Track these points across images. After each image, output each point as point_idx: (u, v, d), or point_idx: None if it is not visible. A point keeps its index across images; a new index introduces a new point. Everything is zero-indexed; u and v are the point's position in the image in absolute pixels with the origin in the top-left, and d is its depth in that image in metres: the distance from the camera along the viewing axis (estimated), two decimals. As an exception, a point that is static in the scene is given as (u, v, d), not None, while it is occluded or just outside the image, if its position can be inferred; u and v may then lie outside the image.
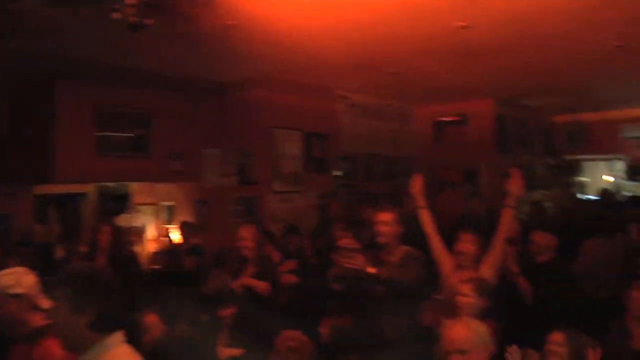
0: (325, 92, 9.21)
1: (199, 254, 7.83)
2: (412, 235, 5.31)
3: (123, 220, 8.37)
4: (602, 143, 14.62)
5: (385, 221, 4.92)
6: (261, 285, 5.53)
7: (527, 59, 7.83)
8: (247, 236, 5.84)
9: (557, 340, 4.18)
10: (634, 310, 5.18)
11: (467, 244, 4.92)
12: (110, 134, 8.44)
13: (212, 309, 5.80)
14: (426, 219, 5.08)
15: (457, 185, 11.28)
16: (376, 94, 10.12)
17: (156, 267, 7.90)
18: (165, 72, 7.79)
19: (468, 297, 4.32)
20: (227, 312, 5.28)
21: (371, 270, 4.64)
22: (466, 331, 3.39)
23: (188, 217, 9.13)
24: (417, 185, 5.16)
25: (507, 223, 4.89)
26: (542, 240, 5.77)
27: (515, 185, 4.92)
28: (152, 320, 4.92)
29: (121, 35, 5.17)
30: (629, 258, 6.80)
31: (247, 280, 5.61)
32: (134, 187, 8.92)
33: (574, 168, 15.08)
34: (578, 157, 15.05)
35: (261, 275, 5.64)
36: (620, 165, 14.97)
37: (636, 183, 14.32)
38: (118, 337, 2.39)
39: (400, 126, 11.15)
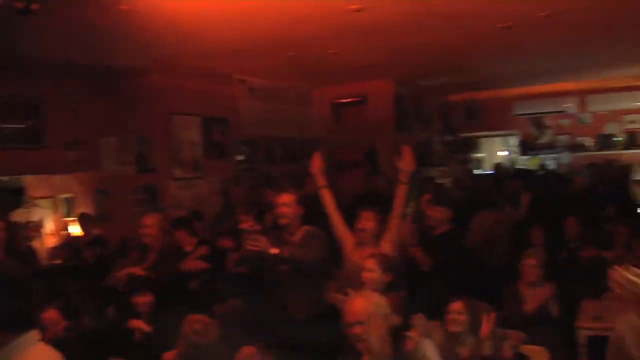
0: (224, 76, 9.15)
1: (101, 245, 7.68)
2: (314, 215, 5.42)
3: (19, 216, 8.07)
4: (497, 120, 15.22)
5: (286, 203, 5.00)
6: (139, 273, 5.50)
7: (423, 39, 7.98)
8: (150, 224, 5.80)
9: (457, 309, 4.39)
10: (525, 276, 5.51)
11: (367, 221, 5.05)
12: (-1, 125, 8.08)
13: (117, 301, 5.74)
14: (327, 198, 5.17)
15: (358, 164, 11.47)
16: (275, 77, 10.12)
17: (56, 261, 7.68)
18: (59, 59, 7.52)
19: (373, 271, 4.45)
20: (142, 299, 5.23)
21: (274, 251, 4.70)
22: (365, 303, 3.50)
23: (88, 209, 8.91)
24: (316, 164, 5.24)
25: (402, 199, 5.05)
26: (437, 213, 5.99)
27: (406, 162, 5.06)
28: (52, 317, 4.81)
29: (9, 21, 4.99)
30: (520, 228, 7.16)
31: (132, 270, 5.58)
32: (29, 180, 8.59)
33: (470, 144, 15.62)
34: (474, 133, 15.59)
35: (163, 263, 5.61)
36: (513, 141, 15.63)
37: (528, 157, 15.00)
38: (33, 335, 2.24)
39: (299, 108, 11.21)
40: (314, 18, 6.48)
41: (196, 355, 3.55)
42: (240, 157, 9.83)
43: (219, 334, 3.65)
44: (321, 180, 5.21)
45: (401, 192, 5.07)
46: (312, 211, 6.14)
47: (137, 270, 5.56)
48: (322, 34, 7.25)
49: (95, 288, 6.38)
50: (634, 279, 2.79)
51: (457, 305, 4.42)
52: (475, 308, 4.47)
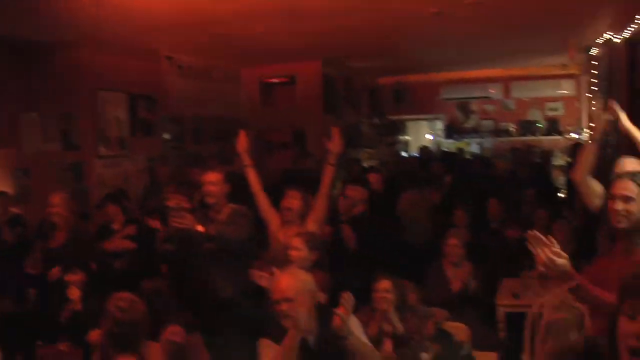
0: (152, 53, 8.98)
1: (20, 225, 7.45)
2: (243, 193, 5.42)
3: None
4: (424, 104, 15.46)
5: (213, 181, 4.99)
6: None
7: (352, 22, 8.02)
8: (57, 203, 5.71)
9: (384, 288, 4.45)
10: (449, 255, 5.65)
11: (292, 200, 5.09)
12: None
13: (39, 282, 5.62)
14: (252, 177, 5.18)
15: (286, 145, 11.47)
16: (203, 55, 10.00)
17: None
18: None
19: (299, 250, 4.49)
20: (73, 278, 5.13)
21: (200, 228, 4.68)
22: (292, 280, 3.51)
23: (7, 188, 8.61)
24: (242, 143, 5.23)
25: (329, 180, 5.11)
26: (355, 193, 6.06)
27: (334, 144, 5.11)
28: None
29: None
30: (444, 209, 7.33)
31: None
32: (-56, 159, 8.26)
33: (398, 127, 15.82)
34: (401, 117, 15.79)
35: (71, 243, 5.56)
36: (440, 125, 15.92)
37: (453, 141, 15.32)
38: None
39: (228, 87, 11.12)
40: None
41: (122, 332, 3.49)
42: (167, 136, 9.68)
43: (144, 311, 3.61)
44: (247, 160, 5.21)
45: (328, 173, 5.12)
46: (241, 190, 6.16)
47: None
48: (250, 13, 7.20)
49: (15, 269, 6.21)
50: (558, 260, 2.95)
51: (384, 284, 4.48)
52: (402, 287, 4.55)
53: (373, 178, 7.51)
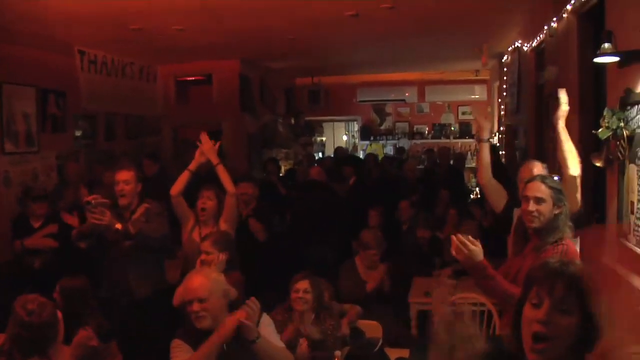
0: (63, 46, 8.69)
1: None
2: (155, 193, 5.38)
3: None
4: (340, 105, 15.61)
5: (126, 179, 4.94)
6: None
7: (270, 22, 8.02)
8: None
9: (303, 288, 4.48)
10: (365, 260, 5.77)
11: (208, 200, 5.11)
12: None
13: None
14: (223, 174, 5.21)
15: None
16: (118, 51, 9.77)
17: None
18: None
19: (209, 254, 4.47)
20: None
21: (118, 226, 4.61)
22: (204, 280, 3.48)
23: None
24: (207, 143, 5.28)
25: (225, 178, 5.19)
26: (249, 189, 6.15)
27: (206, 147, 5.25)
28: None
29: None
30: (359, 209, 7.44)
31: None
32: None
33: (314, 128, 15.91)
34: (318, 117, 15.89)
35: None
36: (355, 126, 16.12)
37: (369, 142, 15.54)
38: None
39: (143, 85, 10.90)
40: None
41: (29, 337, 3.37)
42: (78, 132, 9.40)
43: (54, 313, 3.49)
44: (214, 159, 5.26)
45: (220, 172, 5.22)
46: (153, 190, 6.09)
47: None
48: (167, 10, 7.08)
49: None
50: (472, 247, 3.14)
51: (302, 284, 4.51)
52: (319, 286, 4.59)
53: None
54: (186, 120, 11.39)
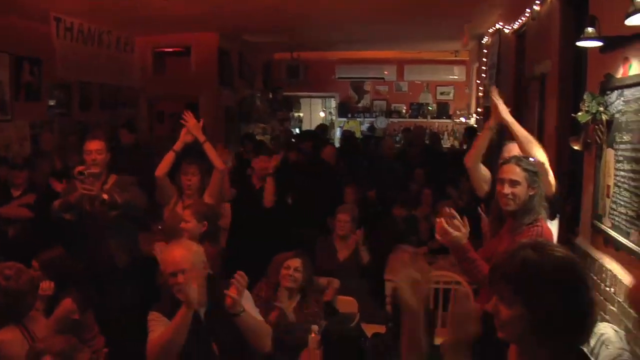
0: (39, 13, 8.52)
1: None
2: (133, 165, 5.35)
3: None
4: (318, 81, 15.57)
5: (98, 149, 4.91)
6: None
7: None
8: None
9: (294, 266, 4.49)
10: (338, 229, 5.82)
11: (192, 176, 5.09)
12: None
13: None
14: (210, 151, 5.20)
15: (179, 116, 11.24)
16: (95, 19, 9.60)
17: None
18: None
19: (188, 222, 4.46)
20: None
21: (105, 196, 4.60)
22: (184, 251, 3.47)
23: None
24: (191, 121, 5.27)
25: (212, 154, 5.21)
26: (262, 164, 6.15)
27: (191, 125, 5.25)
28: None
29: None
30: (336, 186, 7.47)
31: None
32: None
33: (292, 103, 15.87)
34: (296, 93, 15.84)
35: None
36: (332, 103, 16.10)
37: (346, 119, 15.54)
38: None
39: (120, 54, 10.74)
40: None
41: (5, 302, 3.35)
42: (53, 102, 9.25)
43: (31, 281, 3.48)
44: (201, 136, 5.24)
45: (207, 149, 5.22)
46: (127, 160, 6.06)
47: None
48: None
49: None
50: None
51: (294, 262, 4.51)
52: (309, 266, 4.61)
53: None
54: (163, 92, 11.30)
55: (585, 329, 1.84)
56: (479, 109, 11.46)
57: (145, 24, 10.06)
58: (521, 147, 3.88)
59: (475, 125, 11.27)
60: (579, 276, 1.84)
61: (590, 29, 3.91)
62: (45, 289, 3.92)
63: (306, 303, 4.44)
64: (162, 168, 5.12)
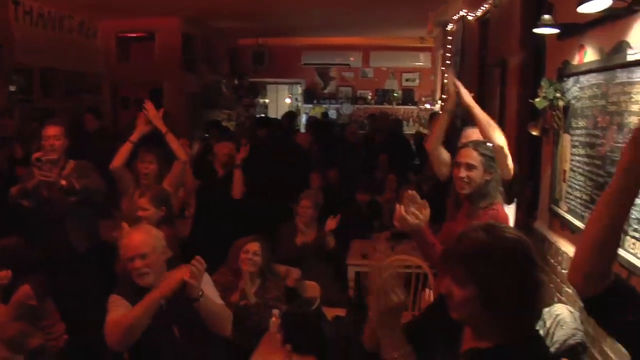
0: (-3, -5, 8.37)
1: None
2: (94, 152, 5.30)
3: None
4: (284, 67, 15.51)
5: (55, 134, 4.87)
6: None
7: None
8: None
9: (253, 250, 4.51)
10: (301, 215, 5.84)
11: (149, 164, 5.06)
12: None
13: None
14: (172, 141, 5.12)
15: (143, 102, 11.14)
16: (56, 3, 9.46)
17: None
18: None
19: (147, 209, 4.45)
20: None
21: (63, 182, 4.57)
22: (145, 236, 3.48)
23: None
24: (152, 111, 5.14)
25: (174, 145, 5.13)
26: (230, 150, 6.09)
27: (151, 112, 5.13)
28: None
29: None
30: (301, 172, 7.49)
31: None
32: None
33: (257, 90, 15.82)
34: (262, 79, 15.77)
35: None
36: (298, 89, 16.08)
37: (312, 106, 15.53)
38: None
39: (82, 40, 10.61)
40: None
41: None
42: (13, 88, 9.09)
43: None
44: (162, 127, 5.12)
45: (169, 140, 5.14)
46: (92, 146, 5.99)
47: None
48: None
49: None
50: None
51: (253, 246, 4.53)
52: (269, 250, 4.63)
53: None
54: (127, 78, 11.18)
55: (534, 307, 1.90)
56: (443, 96, 11.53)
57: (109, 8, 9.95)
58: (481, 130, 3.92)
59: (440, 112, 11.35)
60: (528, 256, 1.89)
61: (546, 16, 3.96)
62: (2, 277, 3.88)
63: (267, 287, 4.48)
64: (118, 159, 5.00)
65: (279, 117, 12.23)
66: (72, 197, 4.73)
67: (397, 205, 3.27)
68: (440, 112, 4.31)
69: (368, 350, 2.22)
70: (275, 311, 3.95)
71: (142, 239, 3.46)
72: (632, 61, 2.97)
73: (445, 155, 4.17)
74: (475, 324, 1.94)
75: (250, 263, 4.47)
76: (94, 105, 9.72)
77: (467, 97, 4.00)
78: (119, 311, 3.39)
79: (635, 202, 2.90)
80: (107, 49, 11.33)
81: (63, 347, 4.06)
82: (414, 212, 3.26)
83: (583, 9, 3.08)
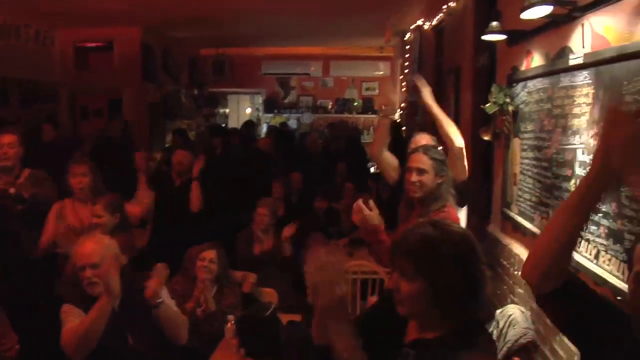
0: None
1: None
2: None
3: None
4: (245, 77, 15.52)
5: (9, 142, 4.84)
6: None
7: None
8: None
9: (209, 257, 4.49)
10: (258, 224, 5.85)
11: (82, 177, 4.87)
12: None
13: None
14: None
15: (101, 112, 11.10)
16: (11, 11, 9.35)
17: None
18: None
19: (101, 216, 4.43)
20: None
21: (11, 190, 4.54)
22: (95, 245, 3.47)
23: None
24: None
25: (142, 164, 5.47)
26: (185, 159, 6.04)
27: None
28: None
29: None
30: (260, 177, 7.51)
31: None
32: None
33: (217, 99, 15.80)
34: (222, 89, 15.76)
35: None
36: (259, 99, 16.10)
37: (273, 115, 15.56)
38: None
39: (39, 49, 10.50)
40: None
41: None
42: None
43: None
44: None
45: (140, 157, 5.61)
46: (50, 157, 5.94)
47: None
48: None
49: None
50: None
51: (209, 254, 4.52)
52: (224, 257, 4.62)
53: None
54: (86, 88, 11.09)
55: (479, 299, 1.94)
56: (402, 104, 11.65)
57: (66, 17, 9.88)
58: (441, 129, 4.02)
59: (399, 120, 11.45)
60: (474, 249, 1.95)
61: (494, 23, 4.06)
62: None
63: (224, 294, 4.48)
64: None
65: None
66: (20, 205, 4.70)
67: (357, 202, 3.29)
68: (380, 117, 4.37)
69: (316, 342, 2.24)
70: (231, 317, 3.95)
71: (93, 249, 3.45)
72: (574, 65, 3.06)
73: (392, 159, 4.24)
74: (421, 317, 1.98)
75: (207, 270, 4.46)
76: (51, 115, 9.61)
77: (428, 95, 4.10)
78: (74, 320, 3.37)
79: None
80: (64, 58, 11.22)
81: (15, 358, 4.00)
82: (370, 204, 3.31)
83: (526, 15, 3.17)
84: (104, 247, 3.49)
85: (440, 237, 1.93)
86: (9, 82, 9.73)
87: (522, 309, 3.80)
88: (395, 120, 11.53)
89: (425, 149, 3.65)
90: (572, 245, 1.79)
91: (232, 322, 3.88)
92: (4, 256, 4.68)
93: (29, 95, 10.28)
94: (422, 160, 3.54)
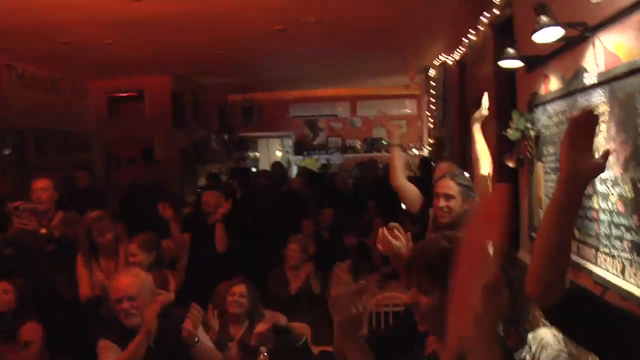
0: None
1: None
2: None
3: None
4: (273, 121, 15.74)
5: (43, 187, 5.10)
6: None
7: (200, 37, 8.10)
8: None
9: (240, 292, 4.55)
10: (289, 260, 5.89)
11: (106, 232, 4.90)
12: None
13: None
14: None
15: (134, 160, 11.31)
16: (48, 65, 9.66)
17: None
18: None
19: (136, 255, 4.53)
20: None
21: (43, 230, 4.68)
22: (132, 279, 3.56)
23: None
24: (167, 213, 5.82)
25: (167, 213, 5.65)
26: (210, 199, 6.16)
27: None
28: None
29: None
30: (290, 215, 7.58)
31: None
32: None
33: (247, 143, 16.01)
34: (251, 133, 15.99)
35: None
36: (289, 142, 16.28)
37: (302, 157, 15.71)
38: None
39: (74, 100, 10.81)
40: (88, 4, 6.31)
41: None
42: (7, 150, 9.21)
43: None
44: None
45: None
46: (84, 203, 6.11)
47: None
48: (97, 22, 7.08)
49: None
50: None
51: (239, 288, 4.58)
52: (255, 292, 4.68)
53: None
54: (118, 136, 11.34)
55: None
56: (430, 140, 11.71)
57: (98, 68, 10.17)
58: (474, 155, 4.08)
59: (428, 156, 11.50)
60: None
61: (510, 50, 4.13)
62: None
63: (255, 327, 4.51)
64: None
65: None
66: (51, 245, 4.86)
67: (380, 229, 3.31)
68: (391, 148, 4.41)
69: (337, 357, 2.29)
70: (263, 348, 3.99)
71: (130, 282, 3.54)
72: (589, 85, 3.11)
73: (413, 189, 4.27)
74: (442, 330, 2.01)
75: (237, 305, 4.51)
76: (86, 164, 9.85)
77: (479, 117, 4.18)
78: (110, 355, 3.45)
79: (601, 219, 3.05)
80: (97, 108, 11.52)
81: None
82: (395, 234, 3.31)
83: (537, 37, 3.24)
84: (141, 280, 3.58)
85: (455, 249, 1.98)
86: (45, 133, 10.02)
87: (554, 331, 3.77)
88: (426, 157, 11.61)
89: (452, 175, 3.70)
90: (561, 257, 1.75)
91: (265, 353, 3.93)
92: (40, 296, 4.80)
93: (64, 145, 10.55)
94: (450, 186, 3.59)
